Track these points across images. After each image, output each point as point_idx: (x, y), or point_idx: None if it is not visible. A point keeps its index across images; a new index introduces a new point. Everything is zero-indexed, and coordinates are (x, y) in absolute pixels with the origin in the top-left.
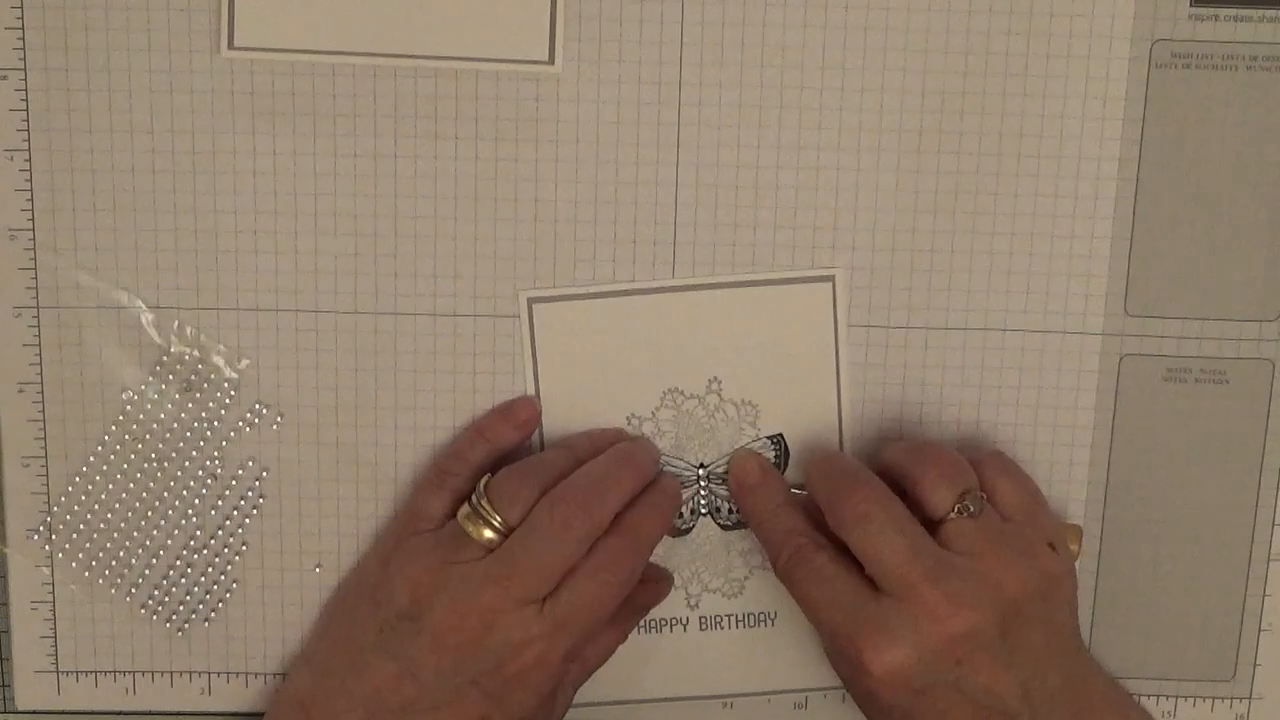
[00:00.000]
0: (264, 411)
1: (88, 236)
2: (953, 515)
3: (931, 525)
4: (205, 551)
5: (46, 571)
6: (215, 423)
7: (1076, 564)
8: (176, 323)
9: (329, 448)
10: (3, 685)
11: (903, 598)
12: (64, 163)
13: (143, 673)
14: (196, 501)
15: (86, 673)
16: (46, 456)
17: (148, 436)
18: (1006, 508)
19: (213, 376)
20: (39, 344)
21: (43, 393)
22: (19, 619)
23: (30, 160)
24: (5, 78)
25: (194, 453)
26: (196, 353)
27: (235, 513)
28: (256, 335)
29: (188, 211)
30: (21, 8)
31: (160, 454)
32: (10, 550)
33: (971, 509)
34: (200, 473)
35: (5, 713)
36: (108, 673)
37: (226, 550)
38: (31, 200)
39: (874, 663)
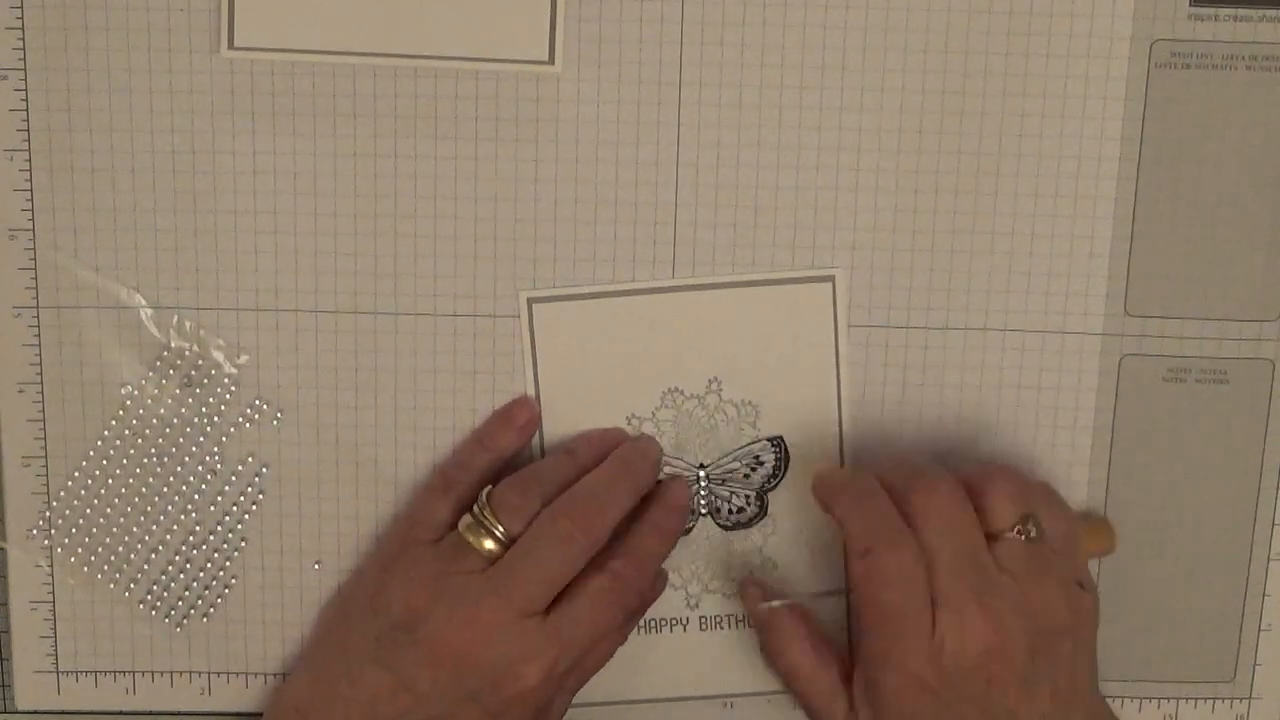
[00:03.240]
0: (264, 408)
1: (88, 236)
2: (1010, 534)
3: (986, 537)
4: (204, 547)
5: (46, 570)
6: (215, 418)
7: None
8: (176, 318)
9: (329, 445)
10: (3, 685)
11: (948, 606)
12: (64, 163)
13: (143, 673)
14: (196, 497)
15: (86, 673)
16: (46, 456)
17: (147, 432)
18: (1054, 538)
19: (213, 372)
20: (39, 344)
21: (43, 393)
22: (19, 619)
23: (30, 160)
24: (5, 78)
25: (193, 448)
26: (196, 348)
27: (235, 509)
28: (256, 334)
29: (188, 211)
30: (21, 8)
31: (160, 449)
32: (10, 548)
33: (1032, 533)
34: (200, 468)
35: (5, 713)
36: (108, 673)
37: (226, 546)
38: (31, 200)
39: (907, 662)
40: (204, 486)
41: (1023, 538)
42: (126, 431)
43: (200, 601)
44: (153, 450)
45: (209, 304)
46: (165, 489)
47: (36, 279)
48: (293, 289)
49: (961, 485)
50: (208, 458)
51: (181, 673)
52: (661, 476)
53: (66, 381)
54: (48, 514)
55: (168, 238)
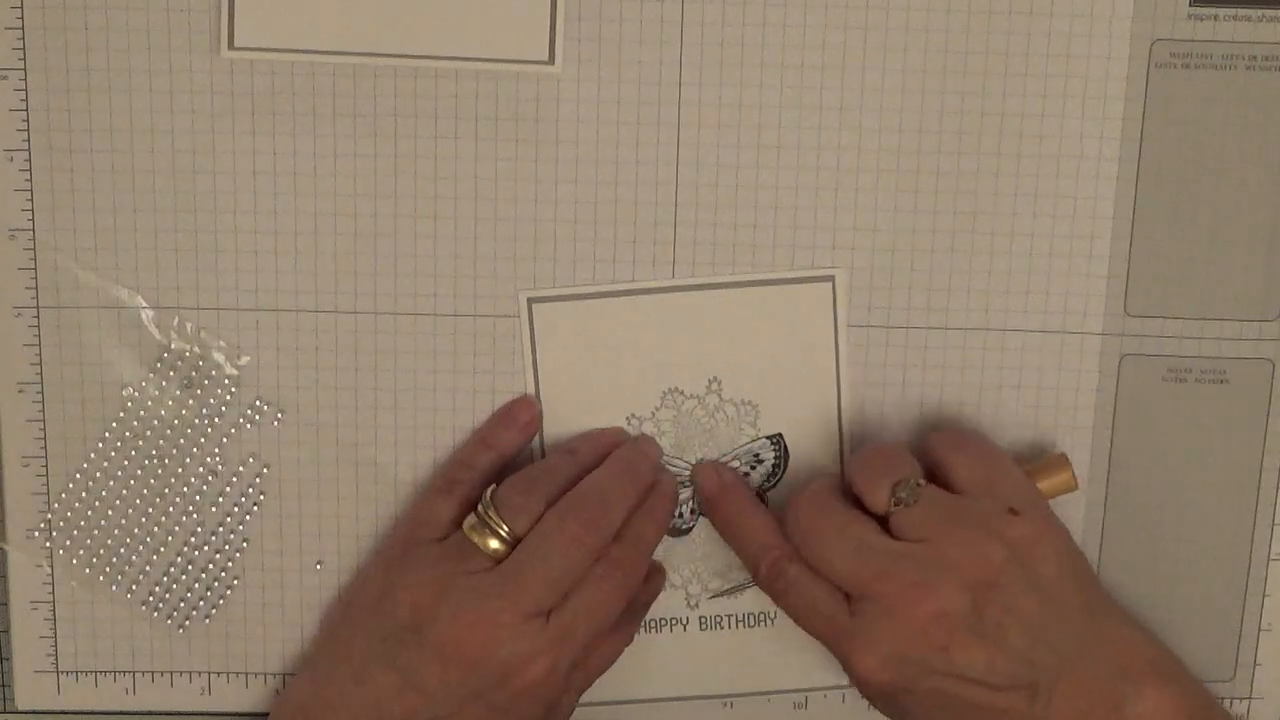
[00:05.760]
0: (264, 409)
1: (88, 236)
2: (892, 509)
3: (882, 523)
4: (206, 549)
5: (47, 570)
6: (215, 420)
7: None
8: (177, 319)
9: (329, 445)
10: (3, 685)
11: (867, 599)
12: (64, 163)
13: (143, 673)
14: (197, 498)
15: (86, 673)
16: (46, 456)
17: (148, 433)
18: (959, 483)
19: (213, 373)
20: (39, 344)
21: (43, 393)
22: (19, 619)
23: (30, 160)
24: (5, 78)
25: (194, 450)
26: (196, 349)
27: (236, 510)
28: (256, 334)
29: (188, 211)
30: (21, 8)
31: (160, 451)
32: (10, 549)
33: (905, 497)
34: (201, 470)
35: (5, 713)
36: (108, 673)
37: (227, 547)
38: (31, 200)
39: (860, 668)
40: (205, 488)
41: (901, 506)
42: (127, 433)
43: (202, 603)
44: (154, 452)
45: (209, 304)
46: (166, 490)
47: (36, 279)
48: (293, 289)
49: (829, 487)
50: (209, 459)
51: (181, 673)
52: None
53: (66, 381)
54: (49, 516)
55: (168, 238)
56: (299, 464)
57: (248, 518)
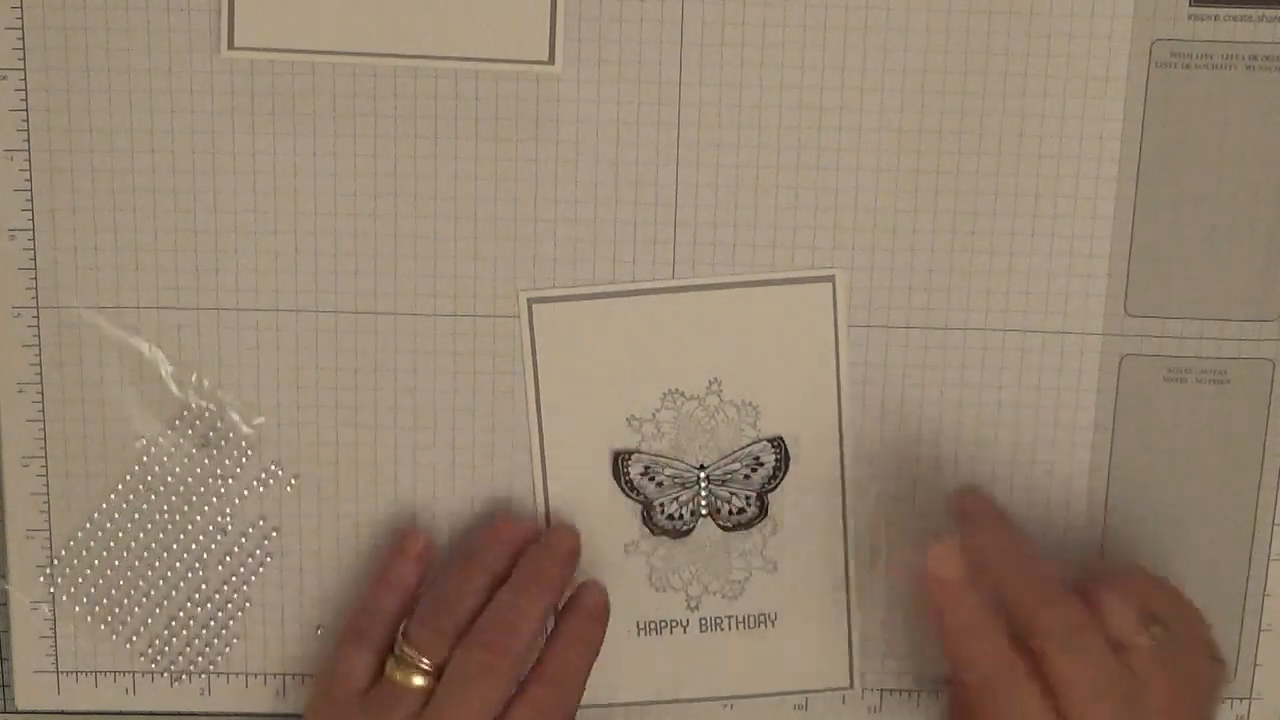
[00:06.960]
0: (279, 472)
1: (88, 236)
2: (1139, 639)
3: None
4: (209, 605)
5: (47, 571)
6: (229, 480)
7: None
8: (194, 375)
9: (333, 503)
10: (3, 685)
11: None
12: (64, 163)
13: (143, 673)
14: (204, 555)
15: (86, 673)
16: (46, 456)
17: (161, 488)
18: (1170, 621)
19: (230, 434)
20: (39, 344)
21: (42, 393)
22: (19, 619)
23: (30, 160)
24: (5, 78)
25: (205, 507)
26: (213, 407)
27: (242, 569)
28: (277, 394)
29: (188, 211)
30: (21, 8)
31: (172, 506)
32: (10, 548)
33: (1159, 634)
34: (210, 527)
35: (5, 713)
36: (108, 673)
37: (230, 606)
38: (31, 200)
39: None
40: (213, 545)
41: (1152, 641)
42: (140, 486)
43: (200, 659)
44: (165, 506)
45: (209, 304)
46: (175, 545)
47: (36, 279)
48: (293, 289)
49: (1082, 601)
50: (219, 517)
51: (182, 673)
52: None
53: (66, 382)
54: (54, 562)
55: (168, 238)
56: (306, 528)
57: (253, 578)
